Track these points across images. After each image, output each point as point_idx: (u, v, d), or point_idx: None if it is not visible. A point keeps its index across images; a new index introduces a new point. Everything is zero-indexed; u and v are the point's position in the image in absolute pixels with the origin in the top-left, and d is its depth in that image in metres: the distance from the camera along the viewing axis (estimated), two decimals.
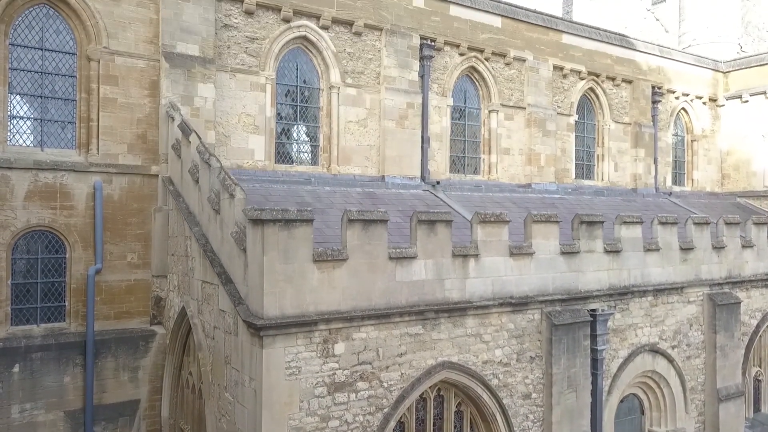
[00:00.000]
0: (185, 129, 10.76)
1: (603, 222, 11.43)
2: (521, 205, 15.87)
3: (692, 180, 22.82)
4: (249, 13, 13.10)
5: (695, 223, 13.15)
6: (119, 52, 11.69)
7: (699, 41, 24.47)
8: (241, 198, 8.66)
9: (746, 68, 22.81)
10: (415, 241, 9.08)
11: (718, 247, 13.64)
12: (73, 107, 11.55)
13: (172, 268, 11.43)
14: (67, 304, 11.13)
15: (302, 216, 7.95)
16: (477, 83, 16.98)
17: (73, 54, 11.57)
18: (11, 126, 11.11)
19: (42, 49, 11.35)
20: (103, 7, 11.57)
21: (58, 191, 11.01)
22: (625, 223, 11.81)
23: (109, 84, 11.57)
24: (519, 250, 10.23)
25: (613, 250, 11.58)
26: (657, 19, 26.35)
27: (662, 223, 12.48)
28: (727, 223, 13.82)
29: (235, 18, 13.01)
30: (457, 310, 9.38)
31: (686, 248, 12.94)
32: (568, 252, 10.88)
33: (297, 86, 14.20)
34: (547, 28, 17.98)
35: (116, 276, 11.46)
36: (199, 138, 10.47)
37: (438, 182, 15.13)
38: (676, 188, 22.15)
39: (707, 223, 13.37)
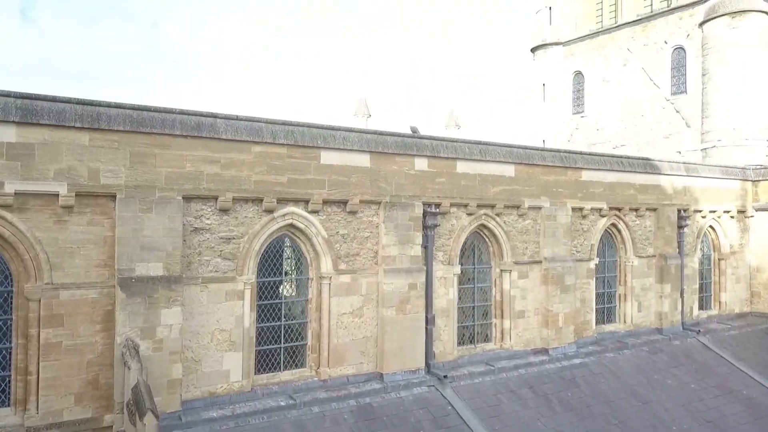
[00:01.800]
0: (140, 402, 8.81)
1: None
2: (537, 390, 14.00)
3: (720, 303, 20.93)
4: (224, 211, 11.20)
5: None
6: (65, 284, 9.78)
7: (724, 142, 22.59)
8: None
9: None
10: None
11: None
12: (7, 356, 9.63)
13: None
14: None
15: None
16: (487, 240, 15.07)
17: (9, 291, 9.67)
18: None
19: None
20: (46, 234, 9.67)
21: None
22: None
23: (53, 326, 9.65)
24: None
25: None
26: (677, 111, 24.45)
27: None
28: None
29: (208, 218, 11.10)
30: None
31: None
32: None
33: (282, 280, 12.29)
34: (566, 167, 16.09)
35: None
36: (156, 418, 8.54)
37: (445, 376, 13.17)
38: (703, 314, 20.28)
39: None
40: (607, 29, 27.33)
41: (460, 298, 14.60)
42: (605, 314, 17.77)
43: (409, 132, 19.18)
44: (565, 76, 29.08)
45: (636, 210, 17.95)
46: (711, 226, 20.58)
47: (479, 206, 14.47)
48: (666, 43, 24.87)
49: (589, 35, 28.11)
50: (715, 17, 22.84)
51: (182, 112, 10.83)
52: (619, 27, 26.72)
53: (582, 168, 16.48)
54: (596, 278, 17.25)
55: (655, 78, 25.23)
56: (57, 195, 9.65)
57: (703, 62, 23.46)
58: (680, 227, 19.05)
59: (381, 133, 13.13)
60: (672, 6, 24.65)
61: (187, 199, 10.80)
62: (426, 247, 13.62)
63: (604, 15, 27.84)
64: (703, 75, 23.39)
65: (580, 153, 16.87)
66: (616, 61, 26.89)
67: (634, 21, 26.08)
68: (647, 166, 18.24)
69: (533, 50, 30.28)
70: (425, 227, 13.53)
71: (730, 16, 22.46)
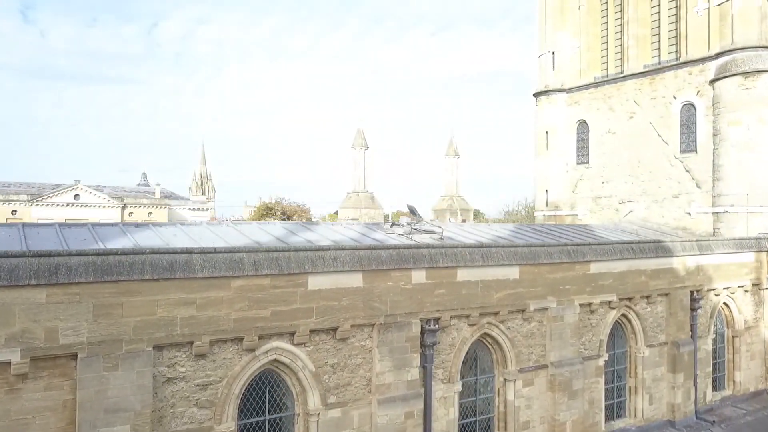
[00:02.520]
0: None
1: None
2: None
3: (734, 382, 19.86)
4: (200, 356, 10.15)
5: None
6: None
7: (737, 208, 21.53)
8: None
9: None
10: None
11: None
12: None
13: None
14: None
15: None
16: (490, 347, 14.04)
17: None
18: None
19: None
20: None
21: None
22: None
23: None
24: None
25: None
26: (687, 170, 23.37)
27: None
28: None
29: (182, 366, 10.05)
30: None
31: None
32: None
33: (265, 420, 11.22)
34: (573, 262, 15.06)
35: None
36: None
37: None
38: (717, 396, 19.23)
39: None
40: (612, 79, 26.26)
41: (460, 415, 13.54)
42: (615, 410, 16.70)
43: (408, 213, 18.17)
44: (568, 124, 28.01)
45: (647, 297, 16.92)
46: (725, 303, 19.55)
47: (482, 315, 13.44)
48: (675, 98, 23.79)
49: (593, 84, 27.04)
50: (726, 76, 21.81)
51: (153, 252, 9.79)
52: (625, 77, 25.64)
53: (591, 261, 15.44)
54: (605, 372, 16.21)
55: (664, 134, 24.16)
56: (9, 363, 8.61)
57: (714, 122, 22.41)
58: (693, 310, 18.00)
59: (375, 248, 12.09)
60: (681, 60, 23.59)
61: (159, 347, 9.75)
62: (425, 366, 12.57)
63: (609, 63, 26.79)
64: (715, 135, 22.34)
65: (589, 244, 15.80)
66: (622, 113, 25.82)
67: (641, 73, 25.02)
68: (659, 249, 17.19)
69: (536, 95, 29.20)
70: (423, 346, 12.48)
71: (742, 76, 21.43)
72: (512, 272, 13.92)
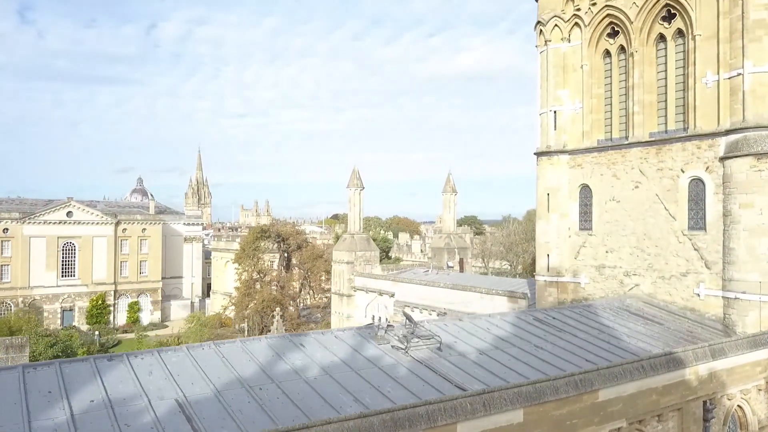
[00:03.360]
0: None
1: None
2: None
3: None
4: None
5: None
6: None
7: (749, 296, 20.51)
8: None
9: None
10: None
11: None
12: None
13: None
14: None
15: None
16: None
17: None
18: None
19: None
20: None
21: None
22: None
23: None
24: None
25: None
26: (695, 249, 22.35)
27: None
28: None
29: None
30: None
31: None
32: None
33: None
34: (580, 394, 14.01)
35: None
36: None
37: None
38: None
39: None
40: (617, 145, 25.19)
41: None
42: None
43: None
44: (571, 187, 26.92)
45: (659, 416, 15.89)
46: (739, 405, 18.53)
47: None
48: (683, 171, 22.75)
49: (597, 148, 25.97)
50: (738, 156, 20.78)
51: None
52: (630, 144, 24.58)
53: (599, 389, 14.39)
54: None
55: (671, 208, 23.12)
56: None
57: (724, 201, 21.37)
58: (706, 420, 16.99)
59: (365, 415, 11.03)
60: (689, 133, 22.51)
61: None
62: None
63: (614, 127, 25.71)
64: (725, 216, 21.31)
65: (597, 369, 14.74)
66: (627, 181, 24.77)
67: (647, 141, 23.96)
68: (671, 362, 16.14)
69: (537, 155, 28.11)
70: None
71: (755, 157, 20.40)
72: (516, 416, 12.86)
